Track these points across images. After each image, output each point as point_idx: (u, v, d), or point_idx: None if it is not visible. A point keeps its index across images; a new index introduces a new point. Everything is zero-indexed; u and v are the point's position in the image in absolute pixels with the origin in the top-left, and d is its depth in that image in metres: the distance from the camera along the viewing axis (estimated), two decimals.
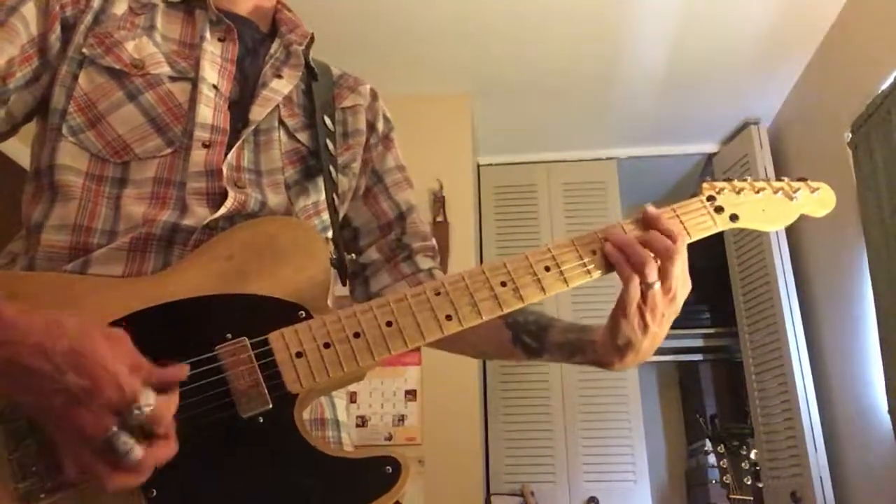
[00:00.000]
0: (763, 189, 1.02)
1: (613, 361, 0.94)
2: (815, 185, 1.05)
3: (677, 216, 0.95)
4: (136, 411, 0.64)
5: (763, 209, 1.01)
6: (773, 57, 3.16)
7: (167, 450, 0.68)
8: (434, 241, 1.13)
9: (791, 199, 1.03)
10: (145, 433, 0.66)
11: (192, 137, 0.91)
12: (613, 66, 3.24)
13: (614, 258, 0.89)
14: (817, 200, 1.05)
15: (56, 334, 0.64)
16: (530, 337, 0.99)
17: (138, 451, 0.64)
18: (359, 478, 0.77)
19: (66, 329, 0.65)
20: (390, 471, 0.77)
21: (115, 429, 0.63)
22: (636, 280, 0.87)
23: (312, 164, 1.01)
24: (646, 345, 0.91)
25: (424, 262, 1.09)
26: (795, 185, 1.04)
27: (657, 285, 0.88)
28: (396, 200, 1.11)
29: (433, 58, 3.20)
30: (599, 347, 0.94)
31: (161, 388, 0.68)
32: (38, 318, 0.65)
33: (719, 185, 1.00)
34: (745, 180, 1.01)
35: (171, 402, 0.69)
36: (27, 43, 0.90)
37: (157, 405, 0.65)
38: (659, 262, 0.88)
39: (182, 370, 0.71)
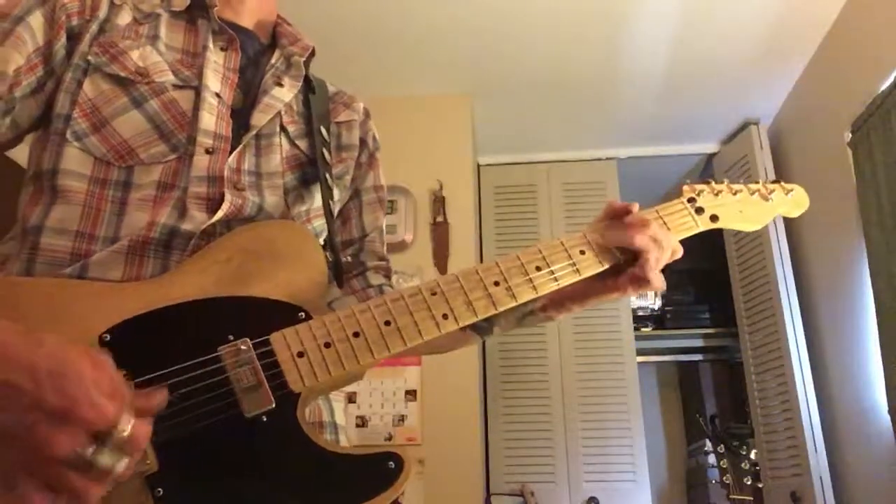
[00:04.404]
0: (740, 191, 1.07)
1: (565, 311, 1.01)
2: (788, 186, 1.10)
3: (660, 217, 0.99)
4: (114, 436, 0.62)
5: (740, 210, 1.06)
6: (773, 57, 3.16)
7: (137, 459, 0.66)
8: (389, 262, 1.16)
9: (767, 200, 1.08)
10: (122, 451, 0.64)
11: (195, 143, 0.92)
12: (613, 67, 3.24)
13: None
14: (792, 201, 1.10)
15: (36, 350, 0.62)
16: None
17: (123, 463, 0.63)
18: (362, 474, 0.78)
19: (47, 348, 0.63)
20: (392, 466, 0.78)
21: (93, 449, 0.61)
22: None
23: (309, 171, 1.03)
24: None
25: (375, 279, 1.12)
26: (770, 186, 1.09)
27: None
28: (365, 220, 1.14)
29: (433, 58, 3.20)
30: (552, 305, 1.01)
31: (140, 413, 0.66)
32: (19, 335, 0.63)
33: (699, 187, 1.05)
34: (722, 182, 1.06)
35: (147, 428, 0.67)
36: (33, 52, 0.91)
37: (133, 430, 0.64)
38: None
39: (162, 395, 0.70)
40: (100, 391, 0.63)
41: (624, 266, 0.97)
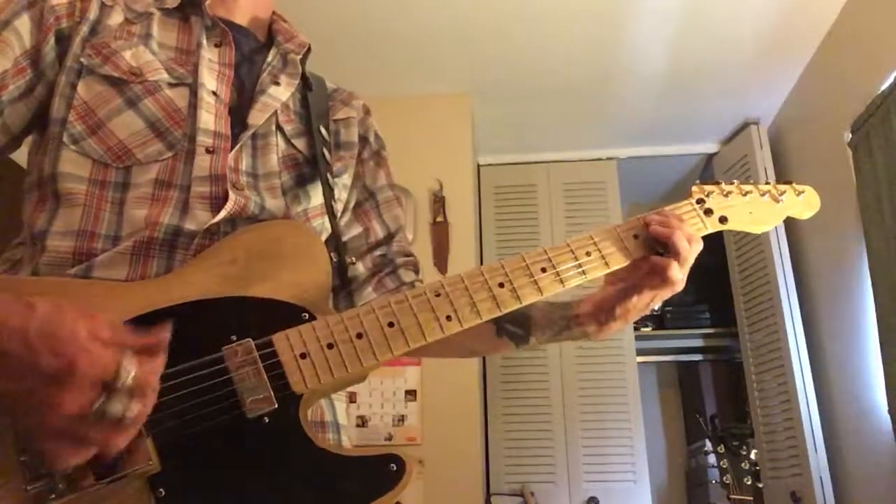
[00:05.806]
0: (750, 192, 1.05)
1: (600, 330, 1.00)
2: (800, 187, 1.09)
3: None
4: (119, 383, 0.62)
5: (750, 211, 1.04)
6: (773, 57, 3.16)
7: (152, 399, 0.67)
8: (416, 257, 1.16)
9: (777, 201, 1.06)
10: (132, 395, 0.64)
11: (193, 142, 0.92)
12: (613, 67, 3.24)
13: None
14: (803, 202, 1.09)
15: (28, 315, 0.63)
16: (514, 325, 1.02)
17: (134, 407, 0.63)
18: (364, 476, 0.78)
19: (38, 310, 0.63)
20: (394, 468, 0.79)
21: (102, 400, 0.62)
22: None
23: (306, 171, 1.02)
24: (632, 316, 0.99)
25: (407, 276, 1.11)
26: (781, 187, 1.08)
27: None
28: (387, 219, 1.13)
29: (433, 58, 3.20)
30: (587, 317, 1.01)
31: (145, 352, 0.66)
32: (10, 303, 0.64)
33: (708, 188, 1.04)
34: (732, 183, 1.05)
35: (156, 364, 0.67)
36: (20, 55, 0.91)
37: (138, 371, 0.64)
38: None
39: (164, 331, 0.69)
40: (96, 342, 0.63)
41: (634, 273, 0.96)
